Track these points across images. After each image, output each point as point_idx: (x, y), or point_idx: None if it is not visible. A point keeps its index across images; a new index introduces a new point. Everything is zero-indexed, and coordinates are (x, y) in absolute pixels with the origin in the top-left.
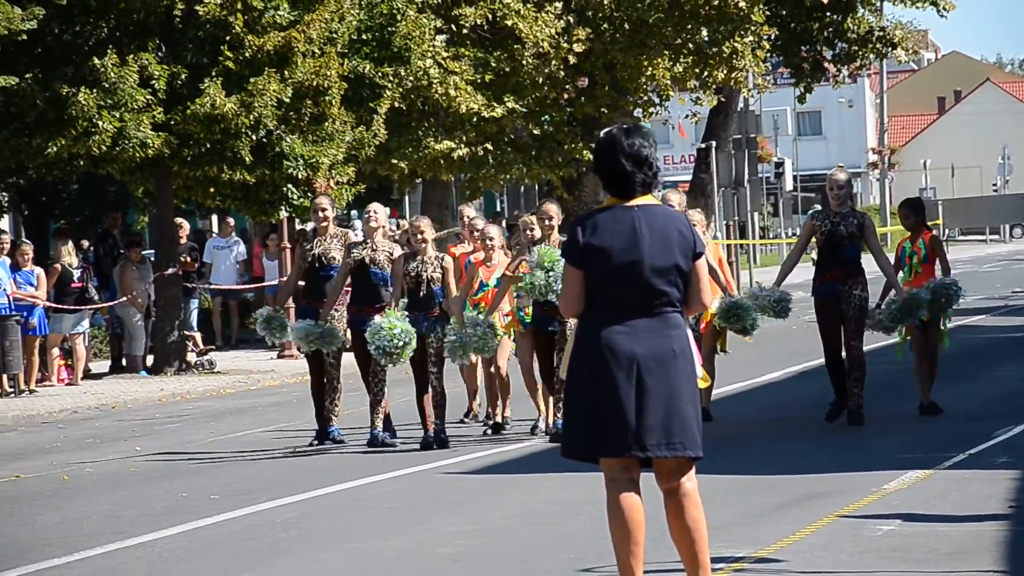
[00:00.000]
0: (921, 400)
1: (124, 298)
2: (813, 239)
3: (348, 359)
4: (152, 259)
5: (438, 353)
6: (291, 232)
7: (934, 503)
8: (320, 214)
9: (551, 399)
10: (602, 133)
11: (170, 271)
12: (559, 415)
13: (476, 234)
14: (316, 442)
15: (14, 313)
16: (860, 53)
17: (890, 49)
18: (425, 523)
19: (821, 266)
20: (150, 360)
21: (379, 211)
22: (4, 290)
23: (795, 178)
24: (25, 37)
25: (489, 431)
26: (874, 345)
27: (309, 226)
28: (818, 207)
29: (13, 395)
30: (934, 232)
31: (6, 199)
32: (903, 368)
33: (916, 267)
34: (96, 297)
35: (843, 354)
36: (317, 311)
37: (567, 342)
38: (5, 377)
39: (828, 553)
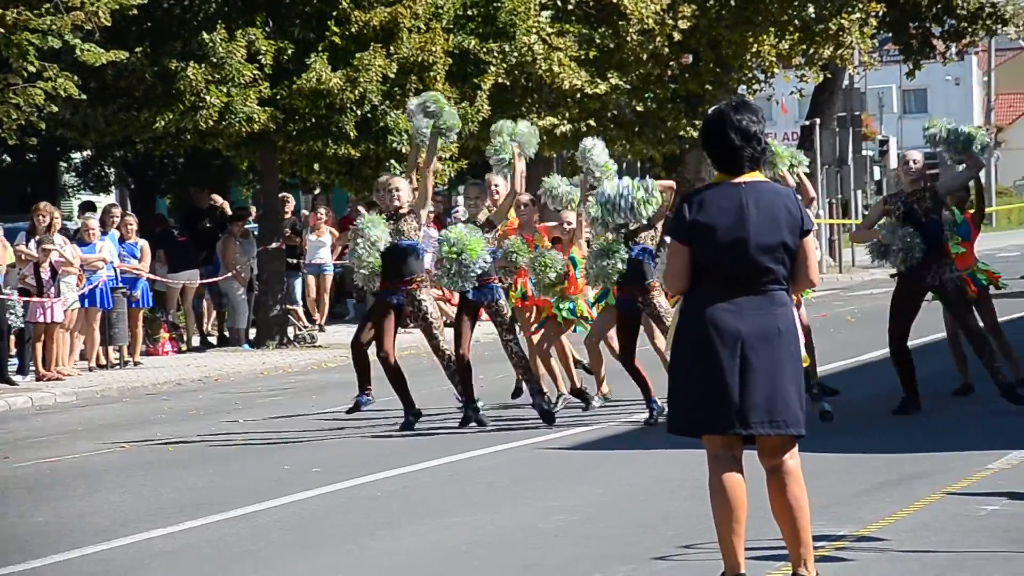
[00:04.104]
0: (967, 382)
1: (229, 273)
2: (883, 219)
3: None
4: (256, 233)
5: (501, 317)
6: None
7: None
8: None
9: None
10: (711, 109)
11: (273, 245)
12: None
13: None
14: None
15: (120, 286)
16: (970, 30)
17: (1000, 26)
18: (525, 498)
19: None
20: (252, 334)
21: (401, 186)
22: (111, 263)
23: (899, 156)
24: (135, 12)
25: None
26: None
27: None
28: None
29: (119, 367)
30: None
31: (114, 173)
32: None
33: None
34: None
35: (908, 342)
36: (393, 292)
37: (672, 321)
38: (111, 349)
39: (932, 532)
